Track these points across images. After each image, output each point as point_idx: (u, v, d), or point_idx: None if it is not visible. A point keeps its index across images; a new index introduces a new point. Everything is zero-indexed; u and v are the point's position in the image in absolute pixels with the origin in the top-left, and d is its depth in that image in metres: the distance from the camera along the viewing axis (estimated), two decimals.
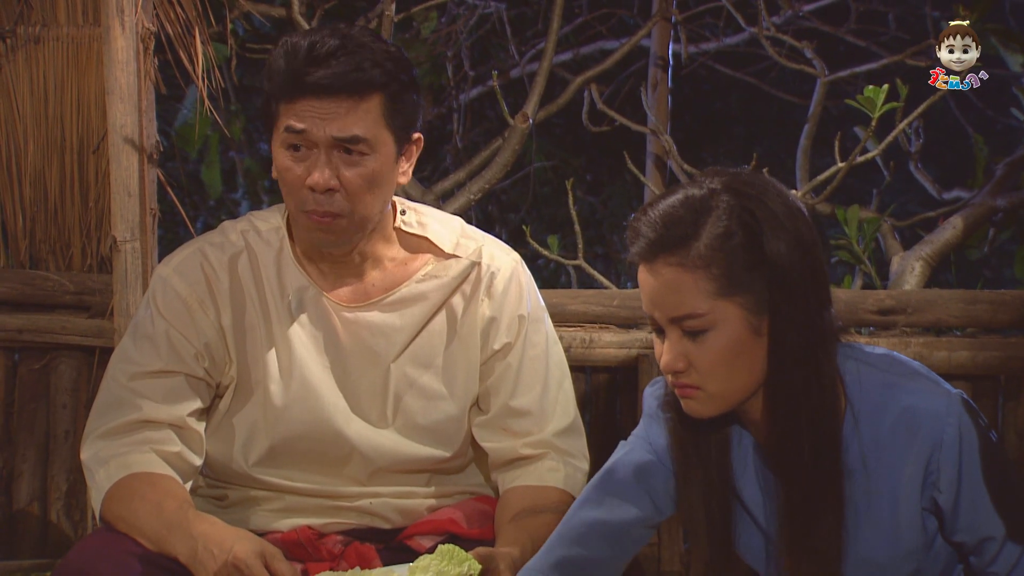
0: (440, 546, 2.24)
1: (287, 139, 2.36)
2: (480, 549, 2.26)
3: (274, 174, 2.45)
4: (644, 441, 2.25)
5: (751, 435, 2.17)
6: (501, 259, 2.55)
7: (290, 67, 2.33)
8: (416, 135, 2.45)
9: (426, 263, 2.52)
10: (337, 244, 2.42)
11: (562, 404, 2.57)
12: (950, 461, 2.04)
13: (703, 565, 2.22)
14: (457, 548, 2.23)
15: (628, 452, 2.27)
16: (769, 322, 2.02)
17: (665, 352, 2.05)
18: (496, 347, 2.53)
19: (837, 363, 2.08)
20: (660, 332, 2.07)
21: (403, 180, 2.45)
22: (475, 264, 2.53)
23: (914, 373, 2.10)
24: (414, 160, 2.47)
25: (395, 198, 2.52)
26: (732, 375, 2.03)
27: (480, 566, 2.23)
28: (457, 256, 2.53)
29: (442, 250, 2.52)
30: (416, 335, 2.51)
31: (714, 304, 2.00)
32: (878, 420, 2.07)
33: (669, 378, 2.08)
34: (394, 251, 2.52)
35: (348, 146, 2.35)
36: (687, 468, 2.18)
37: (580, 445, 2.58)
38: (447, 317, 2.52)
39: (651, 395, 2.27)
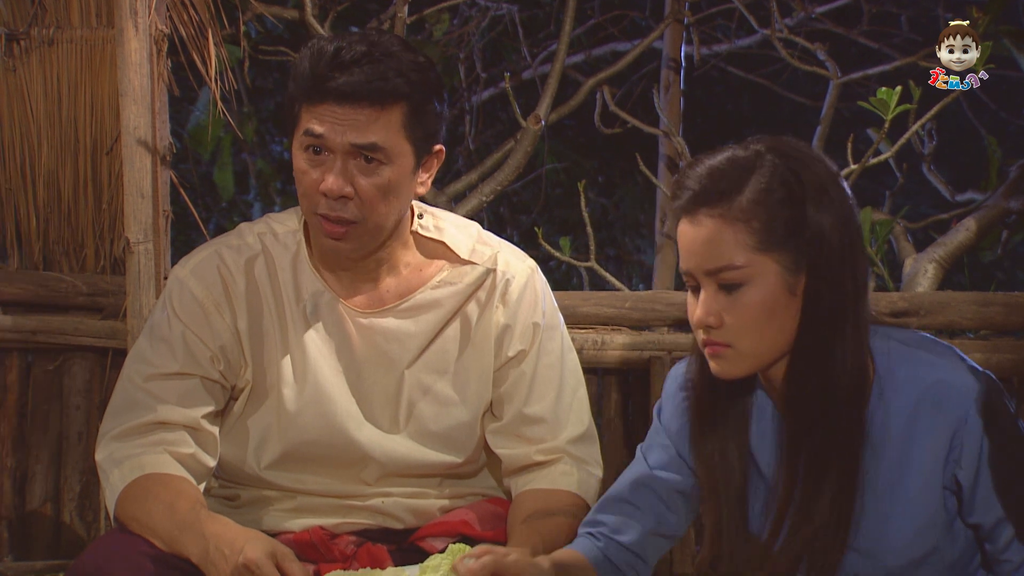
0: (451, 545, 2.24)
1: (305, 142, 2.36)
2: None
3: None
4: (658, 431, 2.29)
5: (773, 405, 2.17)
6: (516, 266, 2.55)
7: (314, 71, 2.33)
8: (437, 147, 2.44)
9: (441, 269, 2.52)
10: (350, 251, 2.42)
11: (576, 411, 2.56)
12: (974, 438, 2.04)
13: (715, 539, 2.21)
14: (468, 548, 2.23)
15: (644, 446, 2.31)
16: (805, 282, 2.03)
17: (699, 306, 2.06)
18: (510, 354, 2.53)
19: (868, 336, 2.08)
20: (695, 290, 2.08)
21: (421, 191, 2.44)
22: (490, 271, 2.53)
23: (945, 351, 2.11)
24: (434, 172, 2.46)
25: (412, 202, 2.51)
26: (764, 333, 2.04)
27: None
28: (473, 262, 2.53)
29: (458, 255, 2.52)
30: (430, 342, 2.50)
31: (752, 258, 2.02)
32: (905, 393, 2.07)
33: (700, 335, 2.08)
34: (410, 256, 2.52)
35: (366, 154, 2.34)
36: (704, 438, 2.19)
37: (594, 452, 2.57)
38: (461, 324, 2.52)
39: (671, 376, 2.29)
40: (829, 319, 2.04)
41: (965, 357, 2.11)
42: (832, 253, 2.03)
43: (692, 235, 2.05)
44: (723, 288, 2.04)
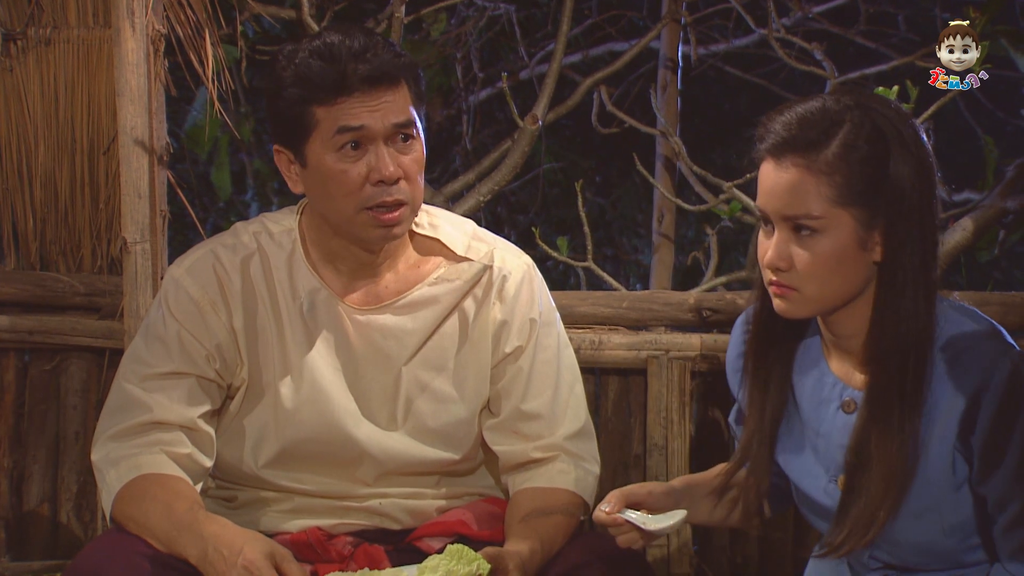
0: (449, 546, 2.24)
1: (341, 140, 2.35)
2: (489, 549, 2.27)
3: (297, 188, 2.43)
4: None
5: (821, 344, 2.26)
6: (513, 262, 2.56)
7: (333, 67, 2.33)
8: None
9: (438, 266, 2.52)
10: (399, 234, 2.43)
11: (573, 408, 2.57)
12: (993, 404, 2.10)
13: (743, 453, 2.34)
14: (466, 548, 2.23)
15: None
16: (884, 240, 2.11)
17: (772, 248, 2.15)
18: (507, 350, 2.53)
19: (936, 295, 2.16)
20: (768, 226, 2.16)
21: None
22: (487, 268, 2.53)
23: (987, 323, 2.18)
24: None
25: None
26: (830, 281, 2.13)
27: (489, 566, 2.23)
28: (469, 259, 2.53)
29: (454, 252, 2.52)
30: (428, 338, 2.51)
31: (830, 210, 2.10)
32: (940, 355, 2.14)
33: (768, 275, 2.17)
34: (407, 253, 2.52)
35: (404, 132, 2.37)
36: (755, 362, 2.30)
37: (591, 448, 2.58)
38: (459, 320, 2.52)
39: (739, 319, 2.40)
40: (909, 275, 2.11)
41: (1006, 334, 2.17)
42: (911, 210, 2.11)
43: (775, 179, 2.13)
44: (796, 233, 2.12)
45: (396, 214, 2.38)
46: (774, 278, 2.16)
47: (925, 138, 2.16)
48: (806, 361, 2.29)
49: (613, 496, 2.24)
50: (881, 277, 2.13)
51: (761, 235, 2.19)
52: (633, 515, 2.23)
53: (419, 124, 2.41)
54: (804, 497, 2.32)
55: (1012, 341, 2.16)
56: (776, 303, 2.18)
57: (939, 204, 2.17)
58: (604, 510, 2.24)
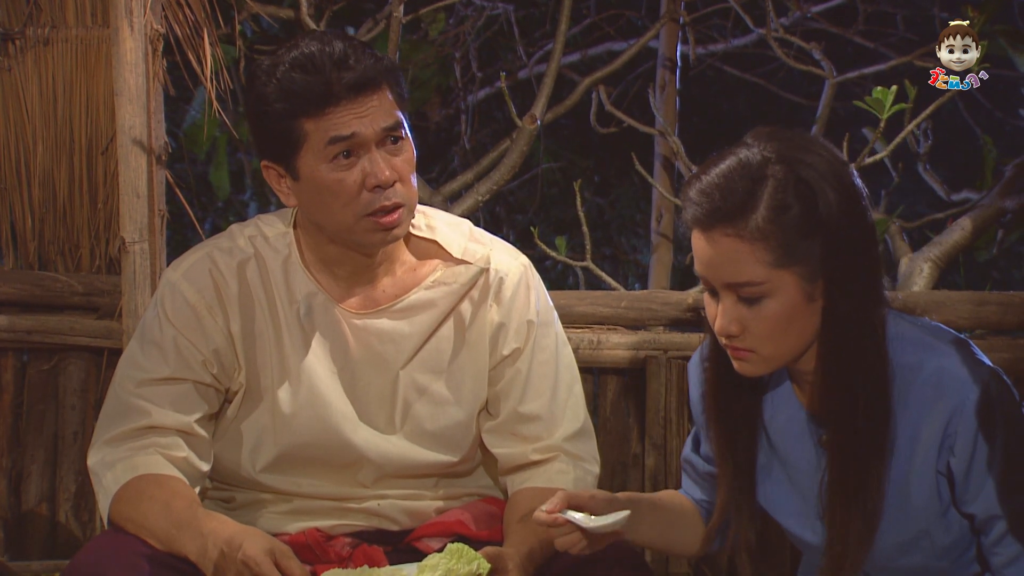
0: (449, 545, 2.24)
1: (334, 150, 2.34)
2: (489, 548, 2.26)
3: (290, 202, 2.42)
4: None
5: (790, 383, 2.22)
6: (509, 264, 2.55)
7: (318, 78, 2.31)
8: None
9: (435, 269, 2.52)
10: (399, 236, 2.42)
11: (572, 408, 2.56)
12: (969, 427, 2.07)
13: (723, 507, 2.29)
14: (466, 547, 2.23)
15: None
16: (824, 286, 2.06)
17: (720, 316, 2.10)
18: (505, 352, 2.52)
19: (885, 328, 2.12)
20: (713, 293, 2.11)
21: None
22: (483, 270, 2.53)
23: (955, 340, 2.14)
24: None
25: None
26: (786, 339, 2.09)
27: (489, 565, 2.23)
28: (466, 262, 2.52)
29: (450, 254, 2.52)
30: (425, 342, 2.50)
31: (771, 273, 2.04)
32: (910, 378, 2.11)
33: (722, 340, 2.12)
34: (404, 255, 2.52)
35: (392, 134, 2.36)
36: (716, 403, 2.25)
37: (591, 449, 2.57)
38: (456, 323, 2.52)
39: (698, 349, 2.34)
40: (851, 316, 2.07)
41: (976, 350, 2.13)
42: (847, 254, 2.06)
43: (709, 252, 2.07)
44: (743, 300, 2.07)
45: (395, 216, 2.38)
46: (728, 343, 2.12)
47: (853, 172, 2.09)
48: (777, 397, 2.24)
49: (556, 497, 2.17)
50: (824, 323, 2.08)
51: (706, 298, 2.14)
52: (575, 515, 2.16)
53: (406, 125, 2.40)
54: (795, 538, 2.29)
55: (982, 356, 2.12)
56: (736, 365, 2.13)
57: (875, 234, 2.11)
58: (544, 510, 2.16)
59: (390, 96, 2.37)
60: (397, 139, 2.37)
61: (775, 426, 2.24)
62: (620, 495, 2.26)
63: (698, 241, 2.08)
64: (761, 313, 2.06)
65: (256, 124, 2.39)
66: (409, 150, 2.40)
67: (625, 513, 2.17)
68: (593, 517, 2.17)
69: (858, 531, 2.11)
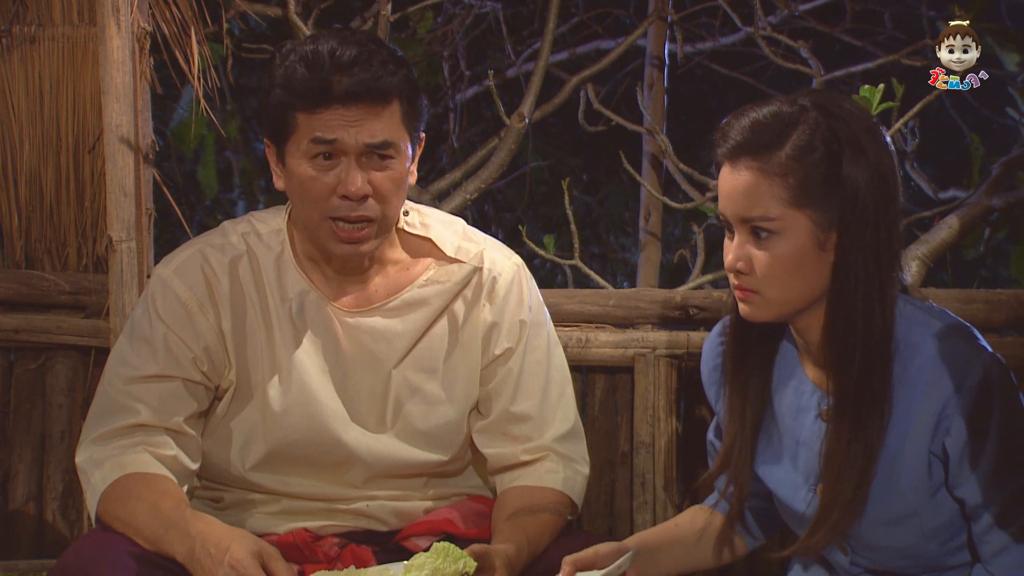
0: (436, 544, 2.24)
1: (314, 150, 2.34)
2: (475, 546, 2.26)
3: (279, 185, 2.43)
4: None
5: (796, 352, 2.27)
6: (503, 264, 2.55)
7: (315, 76, 2.31)
8: (422, 136, 2.46)
9: (428, 267, 2.51)
10: (368, 252, 2.41)
11: (563, 409, 2.56)
12: (967, 410, 2.10)
13: (723, 463, 2.36)
14: (452, 546, 2.23)
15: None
16: (838, 238, 2.11)
17: (732, 251, 2.16)
18: (497, 352, 2.52)
19: (895, 298, 2.15)
20: (730, 231, 2.17)
21: (412, 181, 2.45)
22: (477, 269, 2.53)
23: (959, 325, 2.18)
24: (417, 160, 2.48)
25: None
26: (790, 283, 2.13)
27: (475, 563, 2.23)
28: (459, 261, 2.52)
29: (444, 253, 2.52)
30: (417, 341, 2.50)
31: (785, 211, 2.10)
32: (910, 357, 2.14)
33: (732, 279, 2.18)
34: (398, 254, 2.51)
35: (379, 152, 2.34)
36: (733, 370, 2.30)
37: (581, 449, 2.58)
38: (448, 322, 2.52)
39: (714, 329, 2.41)
40: (861, 276, 2.11)
41: (978, 336, 2.16)
42: (864, 212, 2.10)
43: (732, 182, 2.14)
44: (755, 236, 2.13)
45: (361, 233, 2.37)
46: (736, 282, 2.18)
47: (888, 140, 2.15)
48: (784, 370, 2.30)
49: (565, 564, 2.23)
50: (834, 277, 2.13)
51: (725, 240, 2.20)
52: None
53: (406, 144, 2.37)
54: (785, 508, 2.33)
55: (984, 343, 2.15)
56: (740, 307, 2.20)
57: (899, 209, 2.16)
58: None
59: (398, 112, 2.35)
60: (384, 156, 2.35)
61: (780, 397, 2.29)
62: (627, 541, 2.32)
63: (724, 173, 2.16)
64: (772, 251, 2.12)
65: (261, 101, 2.42)
66: (398, 169, 2.37)
67: (628, 554, 2.25)
68: (600, 572, 2.23)
69: (848, 498, 2.15)
